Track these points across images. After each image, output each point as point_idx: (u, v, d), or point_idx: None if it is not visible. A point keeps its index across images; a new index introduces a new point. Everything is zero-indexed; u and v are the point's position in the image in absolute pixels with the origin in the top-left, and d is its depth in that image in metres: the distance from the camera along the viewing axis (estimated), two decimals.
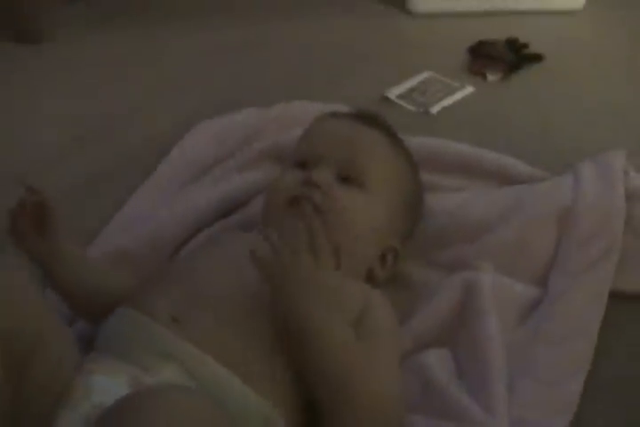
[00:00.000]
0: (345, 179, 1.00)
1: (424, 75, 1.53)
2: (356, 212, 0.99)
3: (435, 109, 1.43)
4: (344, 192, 0.99)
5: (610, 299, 1.00)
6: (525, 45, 1.60)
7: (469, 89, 1.49)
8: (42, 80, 1.58)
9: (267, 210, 1.03)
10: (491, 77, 1.52)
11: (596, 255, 1.04)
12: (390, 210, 1.02)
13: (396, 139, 1.09)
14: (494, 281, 1.00)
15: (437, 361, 0.92)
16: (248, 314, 0.85)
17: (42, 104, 1.50)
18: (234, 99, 1.44)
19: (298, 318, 0.83)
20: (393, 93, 1.47)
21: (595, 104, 1.43)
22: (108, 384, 0.78)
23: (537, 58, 1.57)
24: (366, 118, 1.09)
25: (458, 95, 1.47)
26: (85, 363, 0.81)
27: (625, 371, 0.94)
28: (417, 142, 1.19)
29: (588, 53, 1.60)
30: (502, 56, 1.56)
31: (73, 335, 0.87)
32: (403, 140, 1.10)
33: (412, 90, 1.48)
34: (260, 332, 0.84)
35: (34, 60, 1.64)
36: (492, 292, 0.98)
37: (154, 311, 0.84)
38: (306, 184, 0.98)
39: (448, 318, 0.97)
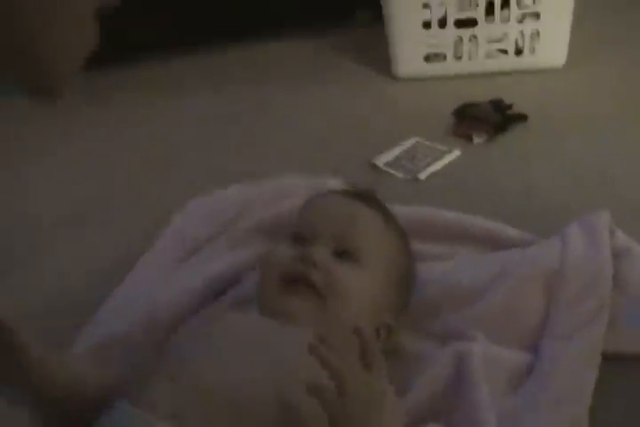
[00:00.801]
0: (340, 254, 1.01)
1: (411, 141, 1.55)
2: (353, 288, 0.99)
3: (423, 175, 1.45)
4: (340, 268, 1.00)
5: (602, 360, 1.00)
6: (510, 106, 1.62)
7: (456, 152, 1.51)
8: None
9: (262, 284, 1.04)
10: (477, 139, 1.54)
11: (586, 317, 1.04)
12: (384, 286, 1.03)
13: (389, 215, 1.11)
14: (485, 350, 1.00)
15: None
16: (255, 398, 0.84)
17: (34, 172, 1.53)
18: (223, 169, 1.48)
19: None
20: (381, 161, 1.49)
21: (580, 163, 1.45)
22: None
23: (521, 118, 1.59)
24: (362, 196, 1.11)
25: (445, 159, 1.49)
26: None
27: None
28: (405, 212, 1.21)
29: (571, 111, 1.62)
30: (487, 117, 1.58)
31: None
32: (394, 216, 1.12)
33: (399, 157, 1.50)
34: (266, 414, 0.83)
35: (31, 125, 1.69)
36: (482, 361, 0.98)
37: (153, 406, 0.82)
38: (303, 261, 0.99)
39: (442, 391, 0.97)
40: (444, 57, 1.78)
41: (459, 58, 1.77)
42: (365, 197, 1.10)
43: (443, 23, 1.74)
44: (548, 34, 1.74)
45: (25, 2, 0.64)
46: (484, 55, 1.77)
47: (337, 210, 1.08)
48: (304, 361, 0.87)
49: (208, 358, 0.89)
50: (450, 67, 1.78)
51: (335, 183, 1.32)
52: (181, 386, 0.85)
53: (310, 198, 1.13)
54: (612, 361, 1.01)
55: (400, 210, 1.21)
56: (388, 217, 1.10)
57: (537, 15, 1.72)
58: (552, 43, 1.75)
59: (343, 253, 1.01)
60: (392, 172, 1.47)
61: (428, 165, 1.47)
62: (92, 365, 1.02)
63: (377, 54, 1.85)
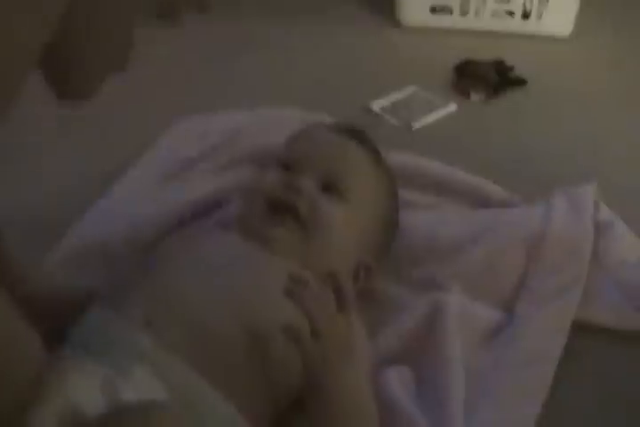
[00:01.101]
0: (326, 189, 1.01)
1: (409, 89, 1.54)
2: (336, 221, 1.00)
3: (417, 125, 1.45)
4: (326, 202, 1.00)
5: (571, 329, 1.02)
6: (511, 68, 1.62)
7: (452, 107, 1.51)
8: None
9: (246, 207, 1.03)
10: (474, 97, 1.54)
11: (562, 285, 1.06)
12: (367, 224, 1.04)
13: (379, 157, 1.11)
14: (461, 304, 1.02)
15: (397, 379, 0.93)
16: (223, 319, 0.85)
17: None
18: (219, 101, 1.46)
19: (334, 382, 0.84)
20: (377, 106, 1.48)
21: (575, 132, 1.45)
22: (82, 384, 0.78)
23: (521, 82, 1.59)
24: (355, 134, 1.10)
25: (441, 112, 1.49)
26: (58, 360, 0.81)
27: (580, 400, 0.96)
28: (397, 158, 1.21)
29: (572, 81, 1.62)
30: (487, 77, 1.58)
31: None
32: (384, 159, 1.12)
33: (395, 103, 1.50)
34: (233, 337, 0.85)
35: None
36: (457, 314, 0.99)
37: (129, 314, 0.84)
38: (290, 188, 0.99)
39: (412, 337, 0.99)
40: (451, 10, 1.76)
41: (465, 13, 1.76)
42: (359, 135, 1.10)
43: None
44: (556, 0, 1.72)
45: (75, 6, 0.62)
46: (490, 14, 1.75)
47: (328, 144, 1.07)
48: (276, 293, 0.88)
49: (182, 275, 0.90)
50: (455, 21, 1.76)
51: (330, 121, 1.31)
52: (155, 298, 0.86)
53: (302, 129, 1.12)
54: (582, 331, 1.03)
55: (392, 156, 1.21)
56: (378, 158, 1.10)
57: None
58: (560, 10, 1.73)
59: (329, 188, 1.01)
60: (387, 117, 1.46)
61: (423, 115, 1.47)
62: (69, 275, 1.02)
63: (384, 2, 1.82)
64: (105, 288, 0.93)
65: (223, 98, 1.48)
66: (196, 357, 0.82)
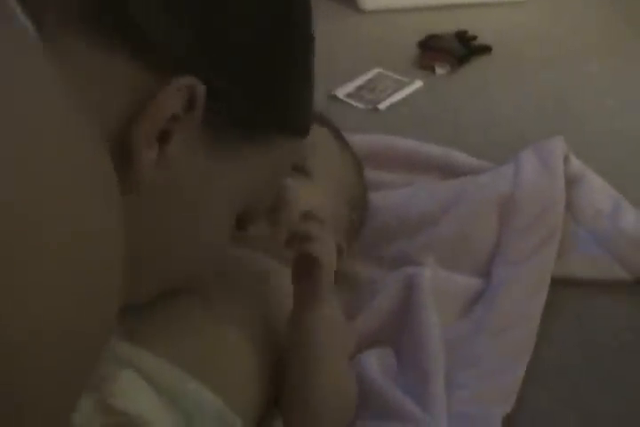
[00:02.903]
0: (292, 169, 1.00)
1: (373, 72, 1.53)
2: (304, 202, 0.98)
3: (383, 106, 1.43)
4: (290, 180, 0.97)
5: (551, 285, 1.00)
6: (474, 37, 1.60)
7: (418, 83, 1.49)
8: None
9: None
10: (439, 71, 1.53)
11: (538, 243, 1.04)
12: (335, 204, 1.02)
13: (341, 137, 1.10)
14: (435, 275, 1.00)
15: (377, 361, 0.91)
16: (207, 317, 0.84)
17: None
18: None
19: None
20: (341, 92, 1.47)
21: (542, 95, 1.43)
22: None
23: (485, 49, 1.57)
24: (317, 118, 1.09)
25: (407, 90, 1.47)
26: None
27: (565, 355, 0.95)
28: (359, 139, 1.19)
29: (535, 44, 1.60)
30: (451, 49, 1.56)
31: None
32: (346, 138, 1.11)
33: (360, 88, 1.48)
34: (217, 332, 0.84)
35: None
36: (431, 286, 0.98)
37: None
38: None
39: (390, 316, 0.97)
40: None
41: None
42: (321, 119, 1.09)
43: None
44: None
45: None
46: None
47: None
48: (254, 271, 0.89)
49: None
50: None
51: None
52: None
53: None
54: (561, 286, 1.01)
55: (358, 138, 1.20)
56: (342, 140, 1.08)
57: None
58: None
59: (294, 168, 1.00)
60: (352, 103, 1.45)
61: (389, 95, 1.45)
62: None
63: None
64: None
65: None
66: (179, 353, 0.80)
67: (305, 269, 0.81)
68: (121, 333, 0.81)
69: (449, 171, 1.21)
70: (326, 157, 1.04)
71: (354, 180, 1.07)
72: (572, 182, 1.11)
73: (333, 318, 0.85)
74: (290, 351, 0.84)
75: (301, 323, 0.83)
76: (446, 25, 1.64)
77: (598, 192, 1.11)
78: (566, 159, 1.14)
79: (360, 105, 1.44)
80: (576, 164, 1.14)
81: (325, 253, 0.81)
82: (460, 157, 1.22)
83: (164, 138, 0.62)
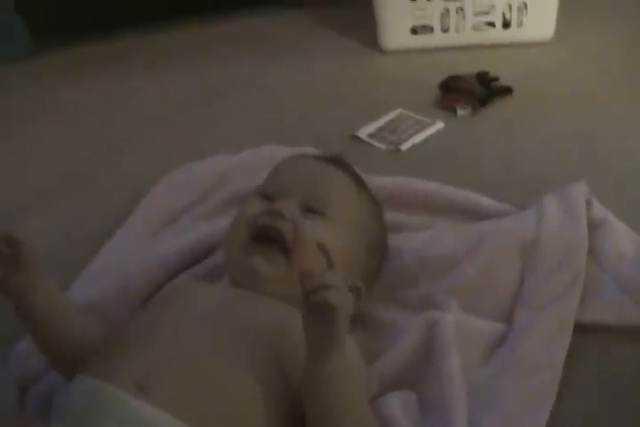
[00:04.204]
0: (308, 210, 1.00)
1: (395, 112, 1.54)
2: (320, 240, 0.97)
3: (405, 147, 1.44)
4: (308, 221, 0.99)
5: (574, 331, 1.00)
6: (495, 79, 1.61)
7: (440, 124, 1.50)
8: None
9: (229, 241, 1.02)
10: (461, 112, 1.54)
11: (561, 288, 1.04)
12: (353, 246, 1.02)
13: (359, 179, 1.10)
14: (457, 319, 1.00)
15: (399, 404, 0.92)
16: (223, 374, 0.84)
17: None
18: (205, 144, 1.47)
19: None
20: (363, 133, 1.48)
21: (564, 136, 1.44)
22: None
23: (507, 91, 1.58)
24: (335, 160, 1.10)
25: (428, 131, 1.48)
26: None
27: (588, 402, 0.94)
28: (382, 181, 1.21)
29: (557, 85, 1.61)
30: (473, 90, 1.57)
31: None
32: (365, 182, 1.11)
33: (382, 128, 1.50)
34: (238, 390, 0.83)
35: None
36: (454, 330, 0.98)
37: (117, 379, 0.81)
38: (272, 213, 0.98)
39: (412, 359, 0.97)
40: (431, 29, 1.76)
41: (445, 30, 1.76)
42: (338, 161, 1.09)
43: None
44: (535, 7, 1.72)
45: None
46: (470, 28, 1.76)
47: (307, 170, 1.07)
48: (269, 323, 0.88)
49: (172, 329, 0.88)
50: (437, 39, 1.77)
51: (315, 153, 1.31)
52: (147, 358, 0.83)
53: (281, 160, 1.12)
54: (585, 332, 1.01)
55: (379, 180, 1.22)
56: (359, 182, 1.09)
57: None
58: (539, 16, 1.73)
59: (311, 209, 1.00)
60: (374, 143, 1.46)
61: (411, 136, 1.46)
62: None
63: (364, 27, 1.83)
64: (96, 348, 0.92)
65: (208, 143, 1.49)
66: (199, 415, 0.80)
67: (319, 314, 0.80)
68: (131, 385, 0.80)
69: (470, 214, 1.21)
70: (342, 200, 1.04)
71: (371, 222, 1.07)
72: (594, 227, 1.11)
73: (351, 362, 0.85)
74: (308, 399, 0.83)
75: (318, 369, 0.82)
76: (468, 65, 1.66)
77: (621, 237, 1.11)
78: (589, 204, 1.14)
79: (382, 146, 1.45)
80: (599, 208, 1.14)
81: (340, 298, 0.80)
82: (482, 200, 1.23)
83: None
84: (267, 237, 0.97)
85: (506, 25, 1.76)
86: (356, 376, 0.86)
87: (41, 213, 1.36)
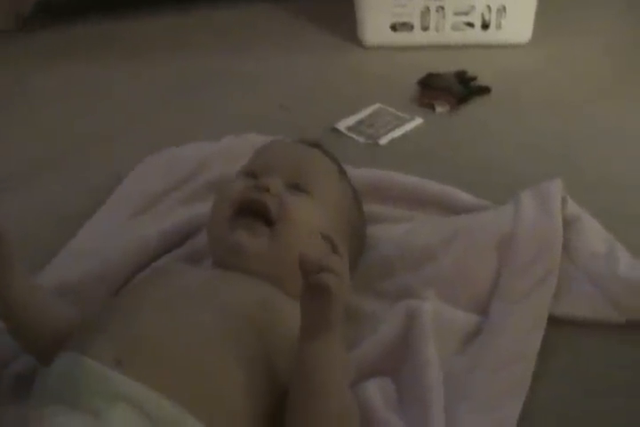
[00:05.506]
0: (293, 187, 1.01)
1: (374, 107, 1.56)
2: (305, 217, 0.99)
3: (383, 141, 1.46)
4: (293, 197, 1.00)
5: (547, 324, 1.02)
6: (474, 78, 1.63)
7: (418, 120, 1.52)
8: None
9: (214, 217, 1.03)
10: (439, 109, 1.55)
11: (535, 281, 1.06)
12: (335, 225, 1.02)
13: (340, 166, 1.11)
14: (435, 309, 1.02)
15: (377, 390, 0.93)
16: (200, 352, 0.84)
17: None
18: (184, 134, 1.47)
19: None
20: (342, 125, 1.50)
21: (540, 137, 1.46)
22: None
23: (485, 90, 1.61)
24: (314, 144, 1.12)
25: (407, 127, 1.50)
26: (31, 413, 0.80)
27: (561, 394, 0.96)
28: (361, 173, 1.22)
29: (533, 87, 1.64)
30: (451, 88, 1.59)
31: None
32: (346, 171, 1.13)
33: (361, 122, 1.51)
34: (217, 369, 0.84)
35: None
36: (432, 319, 0.99)
37: (97, 354, 0.81)
38: (257, 188, 0.99)
39: (391, 348, 0.99)
40: (411, 27, 1.78)
41: (425, 28, 1.78)
42: (320, 146, 1.11)
43: None
44: (514, 9, 1.75)
45: None
46: (450, 27, 1.78)
47: (291, 150, 1.08)
48: (253, 303, 0.89)
49: (151, 309, 0.88)
50: (416, 37, 1.78)
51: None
52: (125, 334, 0.84)
53: (266, 143, 1.13)
54: (557, 325, 1.03)
55: (359, 172, 1.23)
56: (341, 169, 1.10)
57: None
58: (518, 19, 1.76)
59: (296, 186, 1.01)
60: (353, 136, 1.47)
61: (390, 130, 1.48)
62: None
63: (344, 23, 1.84)
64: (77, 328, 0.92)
65: (187, 130, 1.49)
66: (175, 388, 0.80)
67: (317, 295, 0.81)
68: (110, 360, 0.81)
69: (447, 207, 1.23)
70: (327, 181, 1.05)
71: (353, 209, 1.09)
72: (568, 224, 1.13)
73: (339, 351, 0.86)
74: (296, 379, 0.84)
75: (308, 347, 0.83)
76: (447, 64, 1.68)
77: (594, 234, 1.13)
78: (564, 201, 1.16)
79: (361, 139, 1.47)
80: (573, 206, 1.16)
81: (341, 286, 0.81)
82: (459, 195, 1.24)
83: None
84: (251, 211, 0.98)
85: (485, 26, 1.78)
86: (342, 365, 0.87)
87: (15, 196, 1.35)
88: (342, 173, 1.10)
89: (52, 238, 1.22)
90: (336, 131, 1.49)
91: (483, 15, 1.77)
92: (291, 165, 1.03)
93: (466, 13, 1.77)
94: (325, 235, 0.85)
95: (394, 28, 1.79)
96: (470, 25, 1.78)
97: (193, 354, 0.84)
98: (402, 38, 1.79)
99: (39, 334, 0.94)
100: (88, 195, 1.32)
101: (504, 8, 1.75)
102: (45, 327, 0.94)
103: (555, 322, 1.03)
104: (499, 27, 1.77)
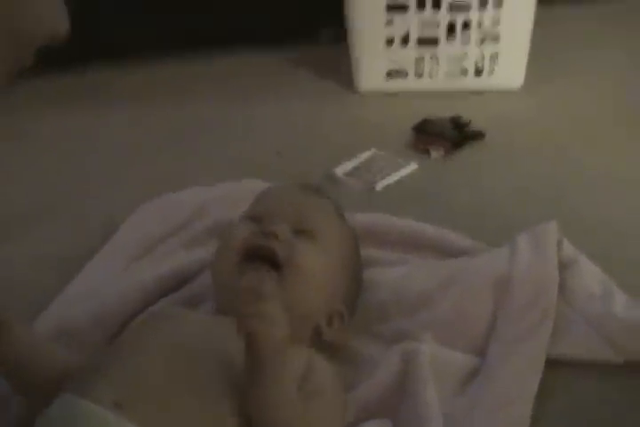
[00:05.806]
0: (298, 233, 1.03)
1: (370, 152, 1.57)
2: (312, 262, 1.01)
3: (379, 186, 1.47)
4: (301, 243, 1.01)
5: (544, 366, 1.02)
6: (468, 123, 1.65)
7: (414, 166, 1.53)
8: None
9: (219, 263, 1.04)
10: (434, 154, 1.57)
11: (532, 323, 1.06)
12: (338, 270, 1.04)
13: (340, 211, 1.13)
14: (432, 351, 1.02)
15: None
16: (197, 397, 0.84)
17: None
18: (181, 179, 1.48)
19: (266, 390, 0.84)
20: (340, 171, 1.51)
21: (534, 182, 1.48)
22: None
23: (479, 135, 1.62)
24: (315, 189, 1.14)
25: (402, 172, 1.51)
26: None
27: None
28: (357, 217, 1.23)
29: (527, 131, 1.66)
30: (445, 134, 1.62)
31: None
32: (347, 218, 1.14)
33: (357, 168, 1.53)
34: (210, 412, 0.84)
35: None
36: (429, 361, 1.00)
37: (97, 397, 0.82)
38: (265, 234, 1.00)
39: (389, 390, 0.99)
40: (406, 74, 1.81)
41: (420, 75, 1.81)
42: (321, 192, 1.13)
43: (405, 41, 1.77)
44: (506, 56, 1.78)
45: None
46: (444, 74, 1.80)
47: (293, 196, 1.10)
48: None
49: (149, 352, 0.89)
50: (410, 83, 1.81)
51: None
52: (124, 378, 0.85)
53: (267, 188, 1.16)
54: (555, 366, 1.03)
55: (355, 216, 1.24)
56: (341, 213, 1.12)
57: (497, 38, 1.77)
58: (510, 65, 1.79)
59: (301, 232, 1.03)
60: (350, 181, 1.49)
61: (385, 176, 1.49)
62: None
63: (340, 70, 1.87)
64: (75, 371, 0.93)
65: (184, 177, 1.51)
66: None
67: (249, 344, 0.83)
68: (110, 403, 0.81)
69: (443, 251, 1.24)
70: (330, 226, 1.07)
71: (353, 253, 1.11)
72: (565, 266, 1.14)
73: (282, 390, 0.86)
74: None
75: (253, 389, 0.84)
76: (441, 110, 1.70)
77: (590, 276, 1.14)
78: (559, 243, 1.17)
79: (357, 184, 1.48)
80: (569, 248, 1.17)
81: (269, 332, 0.83)
82: (455, 238, 1.26)
83: None
84: (258, 256, 0.99)
85: (478, 72, 1.81)
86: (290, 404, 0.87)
87: (12, 241, 1.36)
88: (342, 217, 1.12)
89: (50, 283, 1.22)
90: (332, 177, 1.50)
91: (476, 62, 1.80)
92: (294, 210, 1.05)
93: (459, 60, 1.80)
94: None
95: (389, 74, 1.81)
96: (464, 72, 1.81)
97: (192, 400, 0.84)
98: (396, 85, 1.82)
99: (34, 375, 0.93)
100: (86, 239, 1.33)
101: (497, 55, 1.78)
102: (41, 369, 0.93)
103: (552, 364, 1.03)
104: (491, 73, 1.80)
